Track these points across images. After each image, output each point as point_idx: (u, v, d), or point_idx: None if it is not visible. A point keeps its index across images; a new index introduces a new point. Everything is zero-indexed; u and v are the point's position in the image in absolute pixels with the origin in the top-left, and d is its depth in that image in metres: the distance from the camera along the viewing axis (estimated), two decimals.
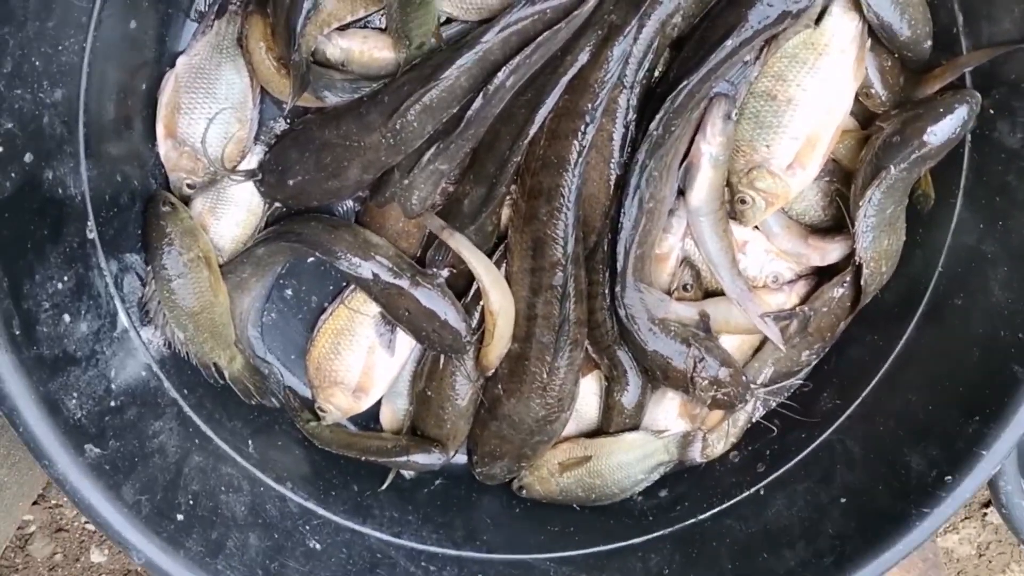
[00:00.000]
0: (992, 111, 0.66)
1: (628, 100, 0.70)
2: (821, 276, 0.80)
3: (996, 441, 0.65)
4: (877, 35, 0.68)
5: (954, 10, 0.65)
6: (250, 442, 0.77)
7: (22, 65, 0.56)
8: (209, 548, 0.67)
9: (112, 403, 0.66)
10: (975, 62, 0.65)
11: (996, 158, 0.67)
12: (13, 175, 0.57)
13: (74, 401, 0.62)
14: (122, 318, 0.69)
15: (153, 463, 0.67)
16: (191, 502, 0.68)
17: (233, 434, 0.76)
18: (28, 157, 0.58)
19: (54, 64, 0.59)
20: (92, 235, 0.66)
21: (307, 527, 0.76)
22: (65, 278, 0.63)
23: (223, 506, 0.71)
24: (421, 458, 0.79)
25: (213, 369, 0.77)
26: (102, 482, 0.62)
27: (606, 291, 0.76)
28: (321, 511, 0.77)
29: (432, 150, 0.72)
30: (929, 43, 0.68)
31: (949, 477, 0.67)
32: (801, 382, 0.82)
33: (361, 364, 0.81)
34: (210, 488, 0.71)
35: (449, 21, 0.71)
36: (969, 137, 0.68)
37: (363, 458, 0.80)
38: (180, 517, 0.67)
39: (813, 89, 0.70)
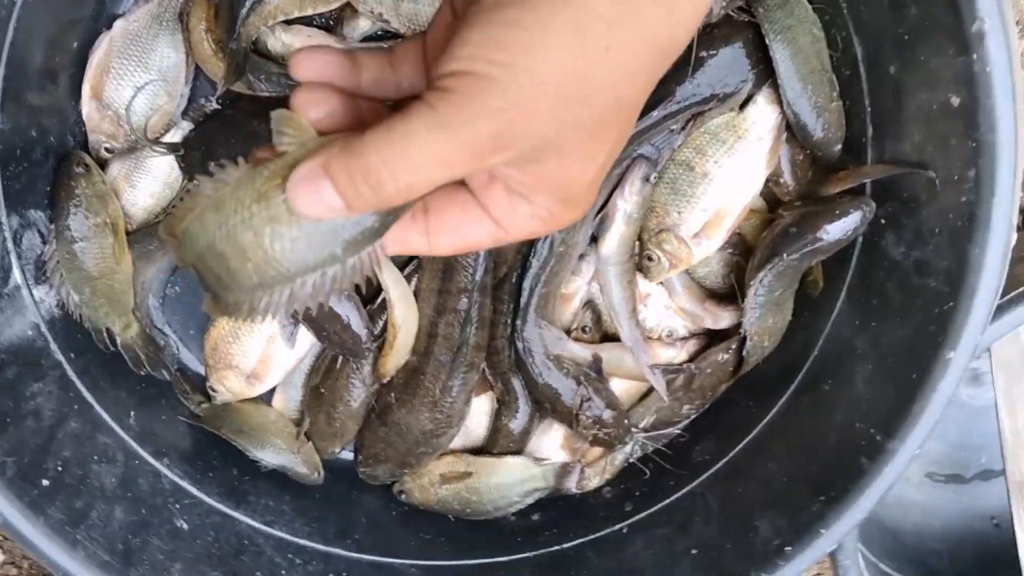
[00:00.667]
0: (883, 221, 0.70)
1: None
2: (712, 338, 0.85)
3: (836, 523, 0.70)
4: (793, 130, 0.72)
5: (866, 122, 0.70)
6: (133, 413, 0.76)
7: None
8: (71, 516, 0.67)
9: None
10: (876, 175, 0.69)
11: (880, 264, 0.71)
12: None
13: None
14: (16, 274, 0.68)
15: (25, 425, 0.66)
16: (59, 468, 0.68)
17: (116, 403, 0.75)
18: None
19: None
20: None
21: (177, 505, 0.76)
22: None
23: (93, 476, 0.70)
24: (300, 468, 0.80)
25: (105, 334, 0.76)
26: None
27: (509, 321, 0.78)
28: (195, 491, 0.78)
29: None
30: (839, 147, 0.72)
31: (789, 548, 0.71)
32: (679, 432, 0.87)
33: (259, 351, 0.81)
34: (82, 456, 0.70)
35: (398, 36, 0.72)
36: (860, 240, 0.73)
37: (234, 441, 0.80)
38: (46, 482, 0.66)
39: (728, 168, 0.73)
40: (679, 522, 0.82)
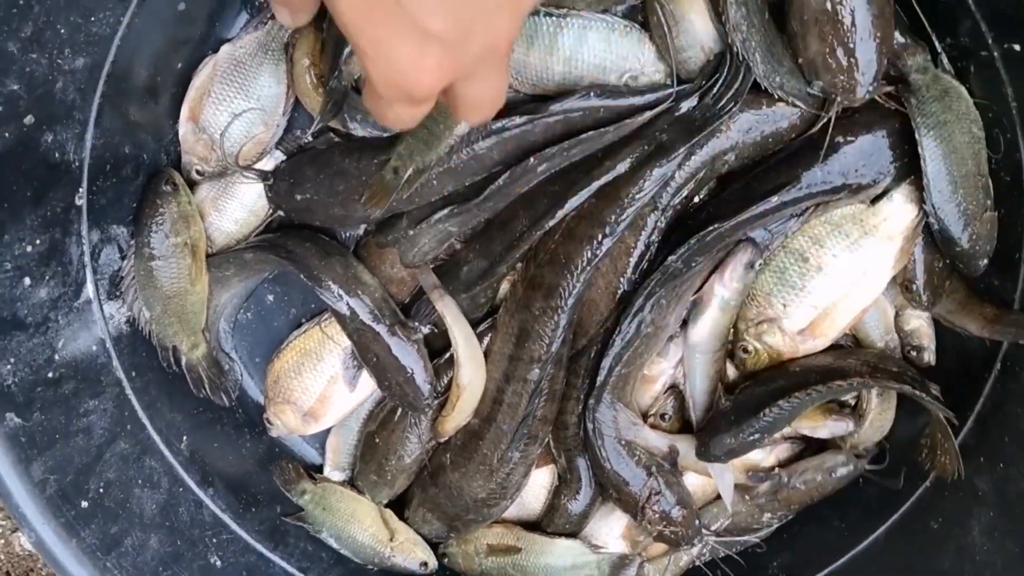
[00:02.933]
0: None
1: (656, 222, 0.66)
2: (807, 445, 0.76)
3: None
4: (934, 236, 0.63)
5: (1022, 238, 0.61)
6: (185, 438, 0.75)
7: (44, 31, 0.54)
8: (104, 542, 0.65)
9: (50, 374, 0.64)
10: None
11: (1018, 397, 0.62)
12: (6, 135, 0.55)
13: (9, 367, 0.60)
14: (88, 288, 0.67)
15: (74, 443, 0.65)
16: (101, 490, 0.66)
17: (170, 426, 0.74)
18: (29, 119, 0.56)
19: (82, 33, 0.57)
20: (80, 202, 0.64)
21: (214, 540, 0.74)
22: (37, 242, 0.61)
23: (134, 500, 0.69)
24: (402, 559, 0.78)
25: (171, 352, 0.75)
26: (13, 454, 0.60)
27: (582, 397, 0.72)
28: (234, 526, 0.75)
29: (446, 211, 0.69)
30: (985, 261, 0.63)
31: None
32: (755, 541, 0.78)
33: (319, 390, 0.78)
34: (127, 479, 0.69)
35: None
36: (998, 364, 0.64)
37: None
38: (84, 504, 0.65)
39: (848, 264, 0.66)
40: None
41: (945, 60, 0.61)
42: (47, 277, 0.62)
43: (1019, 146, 0.58)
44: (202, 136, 0.71)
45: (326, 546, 0.80)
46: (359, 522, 0.79)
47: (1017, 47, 0.55)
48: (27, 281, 0.61)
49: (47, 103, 0.57)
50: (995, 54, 0.57)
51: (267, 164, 0.74)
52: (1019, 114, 0.57)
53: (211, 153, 0.71)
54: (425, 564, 0.80)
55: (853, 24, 0.55)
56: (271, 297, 0.81)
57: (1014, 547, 0.60)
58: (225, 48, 0.70)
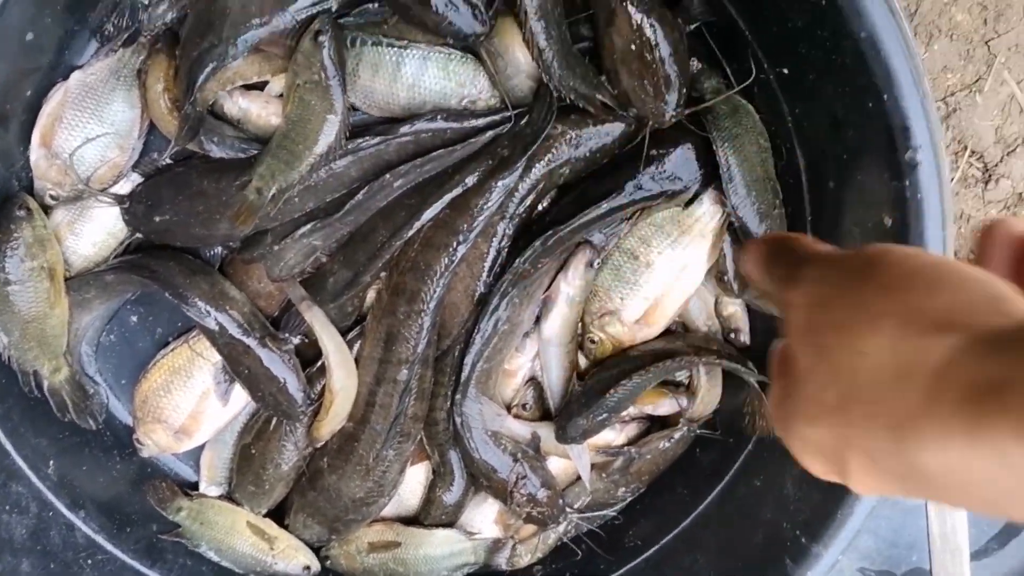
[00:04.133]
0: None
1: (505, 229, 0.73)
2: (652, 423, 0.85)
3: None
4: (737, 232, 0.73)
5: (807, 230, 0.71)
6: (52, 462, 0.74)
7: None
8: None
9: None
10: None
11: None
12: None
13: None
14: None
15: None
16: None
17: (35, 451, 0.73)
18: None
19: None
20: None
21: (89, 561, 0.74)
22: None
23: (2, 526, 0.68)
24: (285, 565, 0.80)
25: (32, 377, 0.74)
26: None
27: (449, 393, 0.78)
28: (109, 546, 0.75)
29: (309, 226, 0.72)
30: None
31: None
32: (613, 514, 0.87)
33: (191, 407, 0.80)
34: None
35: (353, 109, 0.72)
36: None
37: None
38: None
39: (671, 260, 0.75)
40: None
41: (734, 82, 0.71)
42: None
43: (796, 154, 0.69)
44: (55, 161, 0.71)
45: (206, 559, 0.81)
46: (239, 533, 0.81)
47: (786, 71, 0.66)
48: None
49: None
50: (770, 77, 0.67)
51: (124, 187, 0.75)
52: (794, 127, 0.68)
53: (65, 177, 0.72)
54: (308, 568, 0.82)
55: (654, 60, 0.65)
56: (135, 318, 0.81)
57: (818, 495, 0.70)
58: (76, 75, 0.71)
